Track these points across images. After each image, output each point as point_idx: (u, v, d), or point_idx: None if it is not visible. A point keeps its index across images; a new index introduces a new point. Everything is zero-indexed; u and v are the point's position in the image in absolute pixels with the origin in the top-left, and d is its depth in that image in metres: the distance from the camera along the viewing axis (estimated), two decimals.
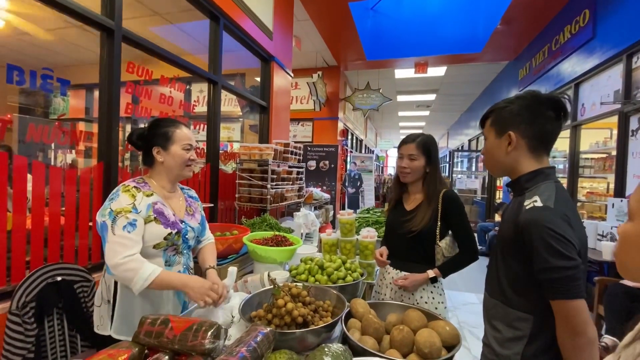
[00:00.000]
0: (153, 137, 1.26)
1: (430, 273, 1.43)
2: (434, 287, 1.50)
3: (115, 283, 1.22)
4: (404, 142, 1.53)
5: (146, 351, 0.89)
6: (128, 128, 4.14)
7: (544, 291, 0.84)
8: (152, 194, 1.24)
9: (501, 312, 0.96)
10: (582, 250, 0.84)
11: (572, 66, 4.24)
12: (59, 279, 1.53)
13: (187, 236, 1.32)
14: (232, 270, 1.38)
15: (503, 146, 0.97)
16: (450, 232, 1.49)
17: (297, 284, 1.31)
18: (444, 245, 1.45)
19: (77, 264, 1.72)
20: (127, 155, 3.46)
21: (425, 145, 1.49)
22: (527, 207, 0.88)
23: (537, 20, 4.89)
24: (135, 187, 1.22)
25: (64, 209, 1.67)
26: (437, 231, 1.45)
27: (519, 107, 0.94)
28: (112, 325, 1.22)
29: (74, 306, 1.57)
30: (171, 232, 1.24)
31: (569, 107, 0.93)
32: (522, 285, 0.91)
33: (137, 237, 1.16)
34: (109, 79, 1.81)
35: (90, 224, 1.79)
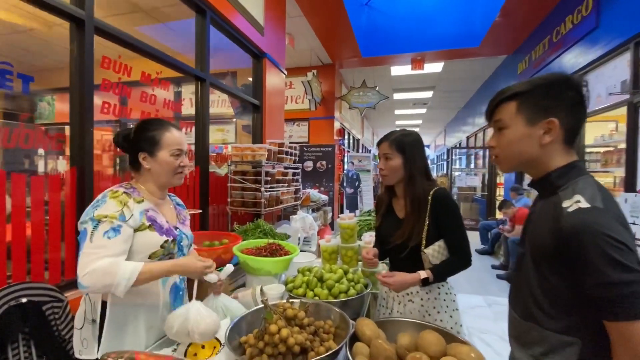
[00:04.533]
0: (139, 141, 1.15)
1: (422, 274, 1.24)
2: (452, 301, 1.35)
3: (104, 301, 1.09)
4: (379, 142, 1.40)
5: None
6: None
7: (600, 311, 0.68)
8: (142, 201, 1.15)
9: (538, 337, 0.80)
10: None
11: (575, 57, 4.11)
12: (24, 300, 1.35)
13: (182, 243, 1.25)
14: (229, 267, 1.27)
15: (536, 136, 0.80)
16: (439, 238, 1.31)
17: (294, 301, 1.15)
18: (431, 252, 1.29)
19: (48, 282, 1.54)
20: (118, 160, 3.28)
21: (400, 143, 1.34)
22: (569, 210, 0.72)
23: (536, 11, 4.75)
24: (125, 192, 1.11)
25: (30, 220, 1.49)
26: (424, 237, 1.29)
27: (556, 91, 0.79)
28: (99, 347, 1.07)
29: (42, 330, 1.39)
30: (167, 240, 1.15)
31: (585, 93, 0.80)
32: (566, 304, 0.75)
33: (117, 246, 1.02)
34: (80, 76, 1.63)
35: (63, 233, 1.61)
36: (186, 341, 1.05)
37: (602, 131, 3.95)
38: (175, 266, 1.10)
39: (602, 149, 3.95)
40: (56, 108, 4.27)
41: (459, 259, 1.29)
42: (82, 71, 1.64)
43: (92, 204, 1.08)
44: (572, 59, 4.18)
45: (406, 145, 1.34)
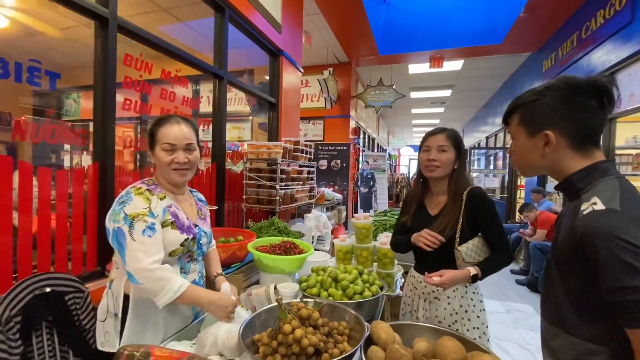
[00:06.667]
0: (149, 136, 1.19)
1: (472, 270, 1.22)
2: (480, 301, 1.34)
3: (126, 295, 1.11)
4: (431, 134, 1.38)
5: None
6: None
7: (617, 317, 0.66)
8: (164, 197, 1.16)
9: (564, 343, 0.78)
10: None
11: (606, 54, 3.90)
12: (48, 290, 1.40)
13: (201, 242, 1.26)
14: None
15: (538, 147, 0.82)
16: (472, 236, 1.32)
17: (308, 300, 1.14)
18: (465, 250, 1.27)
19: (71, 272, 1.59)
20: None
21: (456, 138, 1.36)
22: (584, 212, 0.71)
23: (564, 6, 4.55)
24: (147, 189, 1.14)
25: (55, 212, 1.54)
26: (458, 234, 1.29)
27: (555, 100, 0.78)
28: (120, 341, 1.11)
29: (65, 319, 1.44)
30: (187, 238, 1.17)
31: (616, 93, 0.75)
32: (589, 309, 0.73)
33: (158, 243, 1.08)
34: (104, 73, 1.67)
35: (85, 222, 1.66)
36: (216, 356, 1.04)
37: (634, 132, 3.75)
38: (209, 303, 1.09)
39: (634, 151, 3.75)
40: (81, 105, 4.43)
41: (502, 256, 1.29)
42: (105, 69, 1.67)
43: (117, 200, 1.10)
44: (603, 56, 3.97)
45: (460, 141, 1.37)
